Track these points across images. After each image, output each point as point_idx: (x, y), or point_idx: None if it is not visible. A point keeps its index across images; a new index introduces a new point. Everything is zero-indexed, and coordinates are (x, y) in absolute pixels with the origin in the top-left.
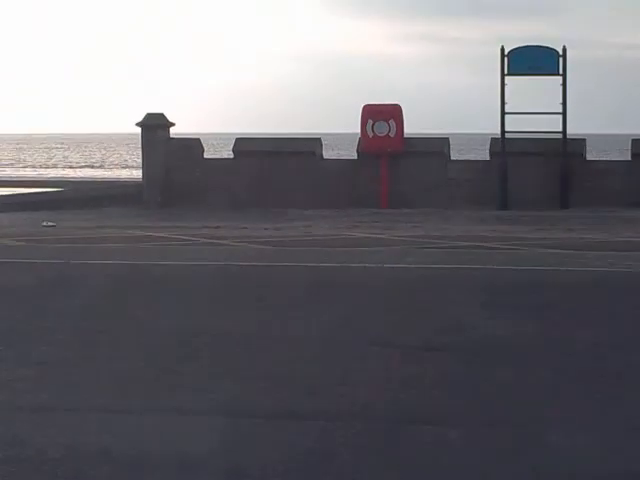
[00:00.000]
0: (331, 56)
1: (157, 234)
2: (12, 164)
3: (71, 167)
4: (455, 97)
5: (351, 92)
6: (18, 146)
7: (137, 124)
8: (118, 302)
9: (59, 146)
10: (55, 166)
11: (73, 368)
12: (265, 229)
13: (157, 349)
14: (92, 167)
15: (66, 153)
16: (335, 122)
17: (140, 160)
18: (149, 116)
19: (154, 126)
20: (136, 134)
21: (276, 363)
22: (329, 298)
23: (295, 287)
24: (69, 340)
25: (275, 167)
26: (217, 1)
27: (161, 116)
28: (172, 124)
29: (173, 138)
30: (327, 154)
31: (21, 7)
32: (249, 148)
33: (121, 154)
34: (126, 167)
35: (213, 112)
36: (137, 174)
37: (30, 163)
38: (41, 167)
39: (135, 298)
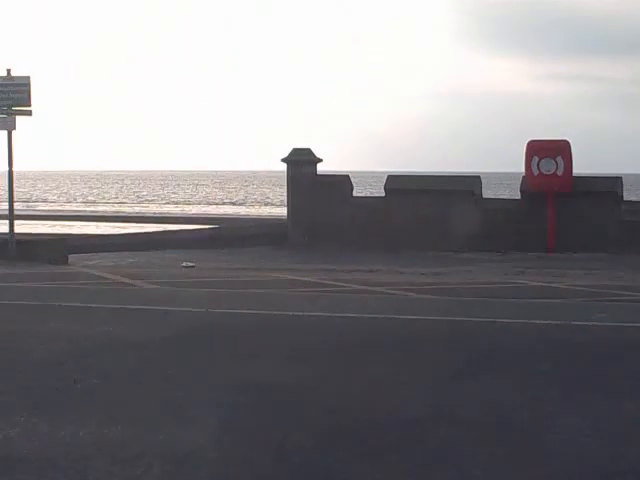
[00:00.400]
0: (473, 94)
1: (304, 278)
2: (154, 200)
3: (215, 204)
4: (607, 136)
5: (498, 131)
6: (163, 182)
7: (283, 160)
8: (265, 366)
9: (202, 182)
10: (199, 203)
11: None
12: (422, 274)
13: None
14: (234, 204)
15: (208, 189)
16: (481, 161)
17: (283, 197)
18: (295, 151)
19: (300, 162)
20: (282, 171)
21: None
22: (535, 365)
23: (475, 348)
24: (207, 421)
25: (430, 206)
26: (362, 39)
27: (308, 151)
28: (319, 160)
29: (320, 175)
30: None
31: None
32: (402, 186)
33: (264, 191)
34: (268, 204)
35: (354, 149)
36: (278, 212)
37: (174, 199)
38: (184, 203)
39: (292, 364)
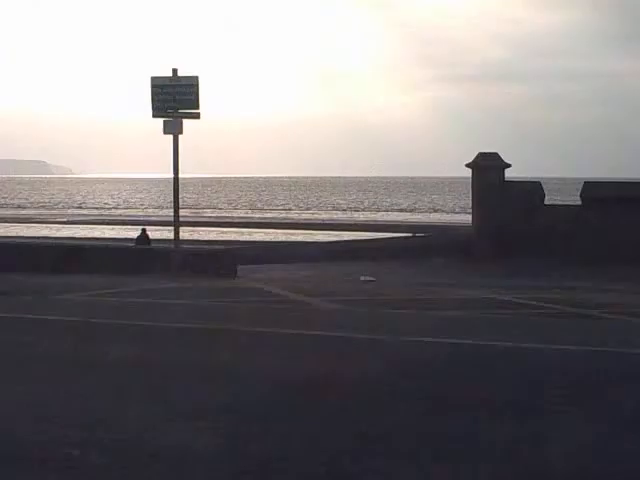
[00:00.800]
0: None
1: (498, 297)
2: (321, 206)
3: (385, 211)
4: None
5: None
6: (333, 188)
7: (467, 165)
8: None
9: (370, 189)
10: (367, 209)
11: None
12: (635, 293)
13: None
14: (401, 211)
15: (376, 196)
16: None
17: (453, 204)
18: (481, 156)
19: (486, 167)
20: (465, 178)
21: None
22: None
23: None
24: None
25: (634, 215)
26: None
27: (495, 156)
28: (507, 165)
29: (508, 181)
30: None
31: None
32: (602, 194)
33: (433, 198)
34: (437, 211)
35: (544, 154)
36: (447, 219)
37: (342, 205)
38: (352, 210)
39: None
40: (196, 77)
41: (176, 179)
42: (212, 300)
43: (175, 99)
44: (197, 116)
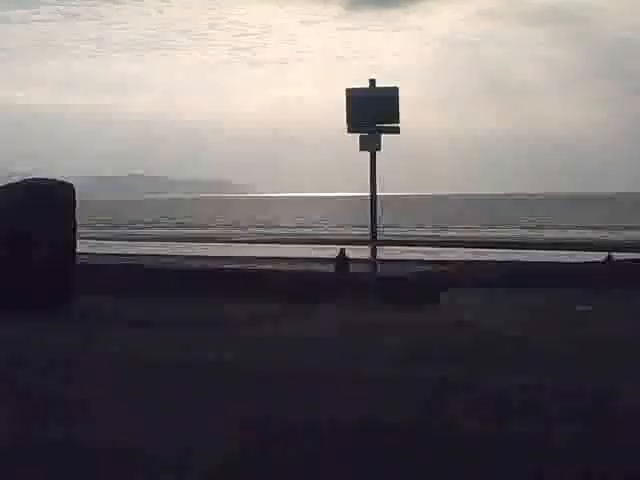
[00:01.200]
0: None
1: None
2: (506, 223)
3: (577, 228)
4: None
5: None
6: (516, 202)
7: None
8: None
9: (556, 205)
10: (556, 227)
11: None
12: None
13: None
14: (591, 228)
15: (562, 211)
16: None
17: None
18: None
19: None
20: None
21: None
22: None
23: None
24: None
25: None
26: None
27: None
28: None
29: None
30: None
31: None
32: None
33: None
34: (630, 228)
35: None
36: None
37: (529, 224)
38: (538, 227)
39: None
40: (396, 88)
41: (373, 199)
42: (404, 336)
43: (374, 112)
44: (396, 130)
